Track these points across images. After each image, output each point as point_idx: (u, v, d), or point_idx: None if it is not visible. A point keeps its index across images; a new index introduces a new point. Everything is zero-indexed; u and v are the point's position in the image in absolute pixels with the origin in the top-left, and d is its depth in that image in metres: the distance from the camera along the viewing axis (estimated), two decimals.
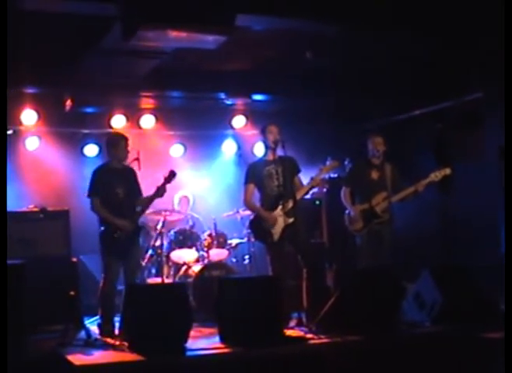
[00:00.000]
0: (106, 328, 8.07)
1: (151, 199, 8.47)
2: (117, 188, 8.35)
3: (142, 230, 8.75)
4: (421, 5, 8.01)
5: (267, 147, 8.68)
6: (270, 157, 8.63)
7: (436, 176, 8.77)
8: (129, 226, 8.25)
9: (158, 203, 9.84)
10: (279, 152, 8.61)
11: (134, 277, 8.40)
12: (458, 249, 10.44)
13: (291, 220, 8.38)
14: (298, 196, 8.44)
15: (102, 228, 8.29)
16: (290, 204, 8.38)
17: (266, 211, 8.50)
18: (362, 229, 8.94)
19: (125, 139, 8.54)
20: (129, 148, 8.55)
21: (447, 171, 8.77)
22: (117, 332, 7.97)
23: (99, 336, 7.91)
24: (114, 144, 8.48)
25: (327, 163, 8.81)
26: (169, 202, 10.74)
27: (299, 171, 8.66)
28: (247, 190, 8.66)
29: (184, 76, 10.34)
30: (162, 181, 8.41)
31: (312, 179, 8.51)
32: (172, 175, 8.42)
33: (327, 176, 10.40)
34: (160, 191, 8.40)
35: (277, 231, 8.44)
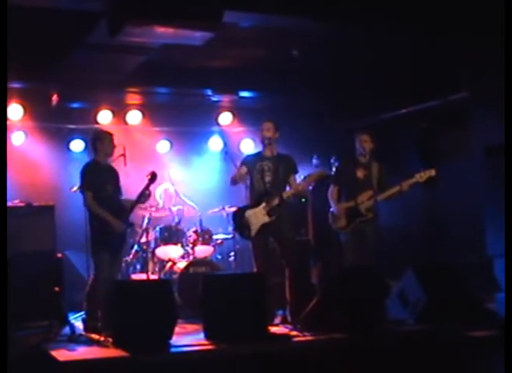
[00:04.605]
0: (91, 323, 8.03)
1: (137, 201, 8.40)
2: (107, 184, 8.30)
3: (131, 227, 8.72)
4: (409, 4, 8.04)
5: (262, 142, 8.70)
6: (268, 153, 8.63)
7: (421, 176, 8.77)
8: (122, 226, 8.19)
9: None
10: (279, 149, 8.63)
11: (117, 272, 8.44)
12: (443, 247, 10.49)
13: (272, 218, 8.37)
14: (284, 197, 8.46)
15: (95, 224, 8.18)
16: (275, 202, 8.38)
17: (251, 205, 8.53)
18: (345, 227, 8.92)
19: (111, 135, 8.53)
20: (115, 144, 8.53)
21: (432, 172, 8.77)
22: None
23: (83, 332, 7.88)
24: (101, 139, 8.43)
25: (314, 161, 8.80)
26: (153, 197, 10.72)
27: (296, 171, 8.65)
28: (238, 170, 8.68)
29: (170, 72, 10.33)
30: (146, 182, 8.38)
31: (297, 184, 8.54)
32: (153, 176, 8.39)
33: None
34: (145, 193, 8.39)
35: (255, 227, 8.42)
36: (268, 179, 8.49)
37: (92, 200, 8.18)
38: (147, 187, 8.38)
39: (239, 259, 10.43)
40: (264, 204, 8.41)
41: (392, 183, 8.86)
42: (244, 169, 8.64)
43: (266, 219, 8.38)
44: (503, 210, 6.98)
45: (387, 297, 8.24)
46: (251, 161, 8.68)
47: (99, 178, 8.29)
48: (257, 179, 8.54)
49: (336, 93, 11.08)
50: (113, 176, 8.49)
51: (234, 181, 8.71)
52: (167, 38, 8.09)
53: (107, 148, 8.41)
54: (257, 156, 8.74)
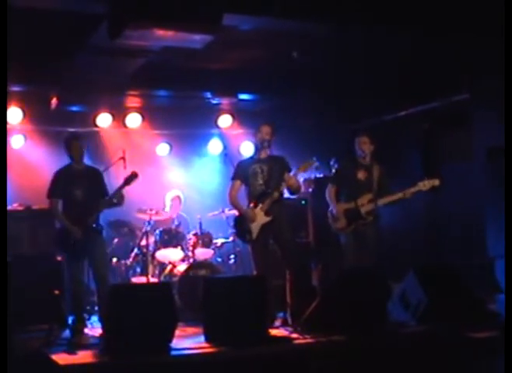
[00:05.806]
0: (75, 326, 8.07)
1: (107, 201, 8.34)
2: (75, 190, 8.28)
3: (101, 229, 8.52)
4: (409, 4, 8.03)
5: (256, 145, 8.71)
6: (261, 155, 8.64)
7: (424, 185, 8.73)
8: (78, 232, 8.14)
9: (149, 202, 9.89)
10: (272, 151, 8.63)
11: (101, 275, 8.30)
12: (444, 248, 10.48)
13: (269, 218, 8.37)
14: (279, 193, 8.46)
15: (59, 229, 8.34)
16: (272, 201, 8.36)
17: (247, 209, 8.49)
18: (345, 228, 8.90)
19: (77, 139, 8.51)
20: (83, 148, 8.49)
21: (436, 182, 8.72)
22: (87, 330, 8.09)
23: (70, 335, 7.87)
24: (67, 145, 8.47)
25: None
26: (160, 202, 10.70)
27: (289, 170, 8.62)
28: (232, 186, 8.70)
29: (170, 75, 10.33)
30: (121, 183, 8.26)
31: (289, 177, 8.51)
32: (133, 176, 8.25)
33: (312, 176, 10.41)
34: (118, 194, 8.30)
35: (255, 229, 8.42)
36: (262, 181, 8.51)
37: (56, 207, 8.28)
38: (121, 188, 8.27)
39: (239, 261, 10.43)
40: (261, 205, 8.40)
41: (393, 185, 8.84)
42: (238, 183, 8.67)
43: (265, 219, 8.37)
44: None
45: (389, 299, 8.22)
46: (244, 166, 8.70)
47: (67, 184, 8.31)
48: (252, 183, 8.56)
49: (336, 94, 11.07)
50: (89, 179, 8.45)
51: (232, 199, 8.71)
52: (167, 41, 8.08)
53: (74, 153, 8.42)
54: (252, 160, 8.77)
